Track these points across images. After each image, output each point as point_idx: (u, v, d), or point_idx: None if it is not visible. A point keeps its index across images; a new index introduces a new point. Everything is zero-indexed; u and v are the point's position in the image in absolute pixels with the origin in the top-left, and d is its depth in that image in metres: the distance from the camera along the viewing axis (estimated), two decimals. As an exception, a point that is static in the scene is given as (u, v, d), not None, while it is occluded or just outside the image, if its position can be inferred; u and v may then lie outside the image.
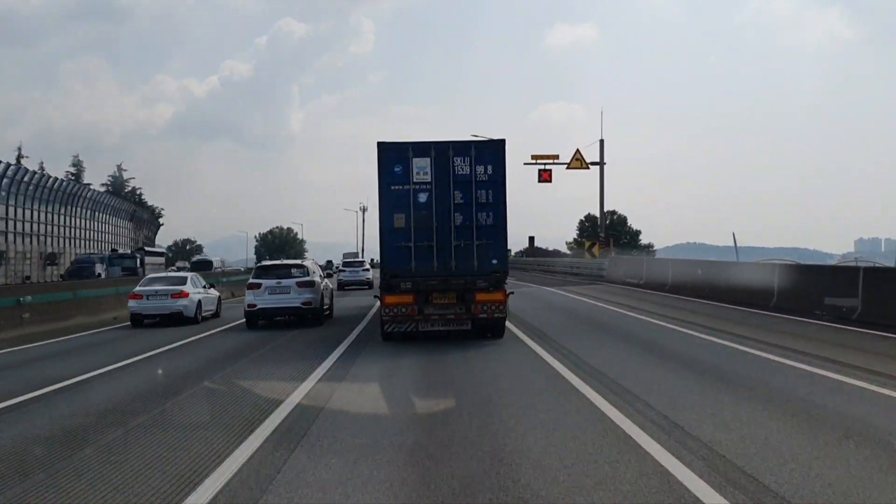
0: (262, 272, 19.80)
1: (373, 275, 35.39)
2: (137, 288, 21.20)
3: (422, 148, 14.27)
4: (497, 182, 14.30)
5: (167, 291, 20.68)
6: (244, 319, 19.09)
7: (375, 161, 14.26)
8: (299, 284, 18.92)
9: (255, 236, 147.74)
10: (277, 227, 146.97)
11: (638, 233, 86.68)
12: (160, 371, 12.40)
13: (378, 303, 15.31)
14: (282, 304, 18.76)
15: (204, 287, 22.46)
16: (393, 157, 14.18)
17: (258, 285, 18.84)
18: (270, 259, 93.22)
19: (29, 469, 6.36)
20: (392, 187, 14.18)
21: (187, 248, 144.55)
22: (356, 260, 43.99)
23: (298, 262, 22.06)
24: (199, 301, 21.15)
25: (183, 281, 21.71)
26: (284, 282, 18.91)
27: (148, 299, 20.45)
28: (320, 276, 21.03)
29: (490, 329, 14.62)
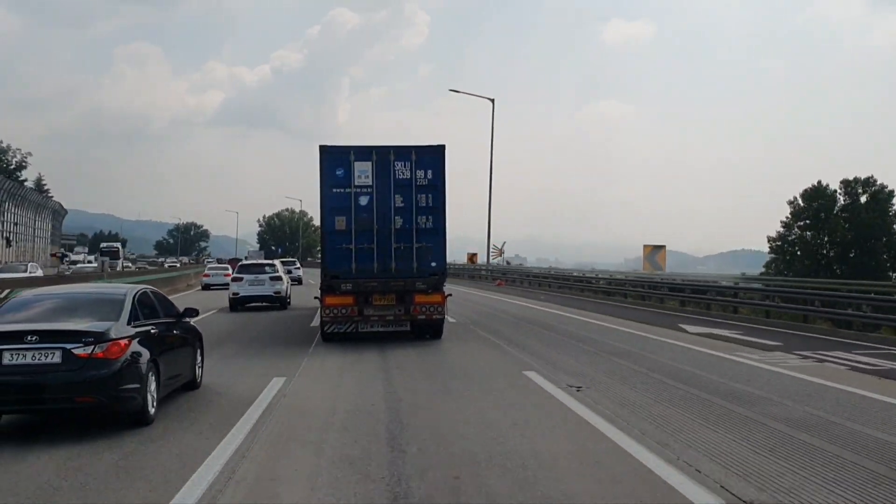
0: (243, 269, 25.82)
1: (303, 272, 47.61)
2: (207, 269, 42.62)
3: (363, 152, 14.52)
4: (437, 187, 14.55)
5: (224, 270, 39.87)
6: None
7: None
8: (271, 279, 24.71)
9: (259, 220, 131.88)
10: (287, 210, 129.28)
11: None
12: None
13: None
14: (258, 292, 24.48)
15: None
16: (335, 160, 14.42)
17: (240, 279, 24.82)
18: (280, 251, 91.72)
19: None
20: (334, 190, 14.43)
21: (192, 232, 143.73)
22: (289, 259, 52.76)
23: (270, 262, 28.29)
24: None
25: (227, 268, 40.44)
26: (260, 276, 24.73)
27: (212, 276, 39.06)
28: (284, 272, 26.52)
29: (428, 330, 14.93)
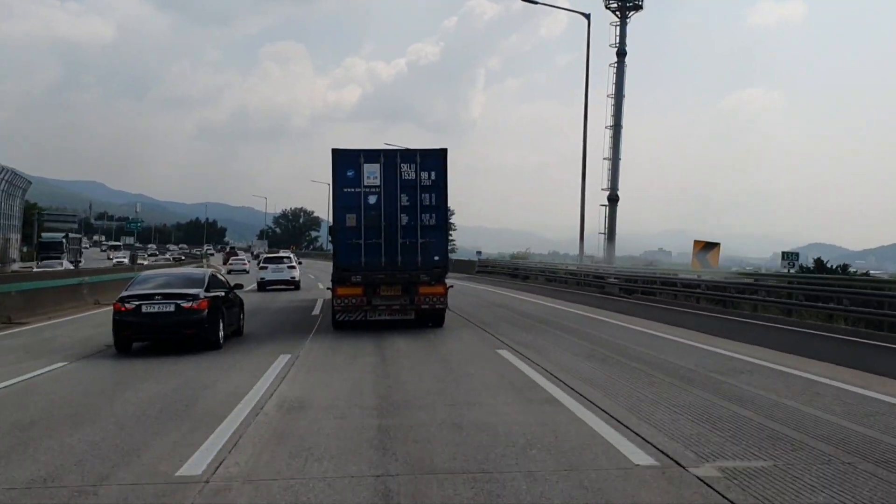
0: (268, 261, 35.48)
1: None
2: (231, 260, 62.78)
3: (372, 155, 15.75)
4: (439, 187, 15.62)
5: (242, 261, 58.02)
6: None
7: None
8: (288, 267, 33.99)
9: None
10: None
11: None
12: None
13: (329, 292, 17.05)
14: (279, 277, 33.42)
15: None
16: (346, 162, 15.70)
17: (266, 267, 34.18)
18: None
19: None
20: (345, 189, 15.71)
21: (301, 220, 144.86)
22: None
23: (287, 255, 39.39)
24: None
25: (244, 258, 62.19)
26: (280, 266, 34.15)
27: (234, 264, 55.45)
28: (297, 263, 36.85)
29: (432, 318, 16.06)
